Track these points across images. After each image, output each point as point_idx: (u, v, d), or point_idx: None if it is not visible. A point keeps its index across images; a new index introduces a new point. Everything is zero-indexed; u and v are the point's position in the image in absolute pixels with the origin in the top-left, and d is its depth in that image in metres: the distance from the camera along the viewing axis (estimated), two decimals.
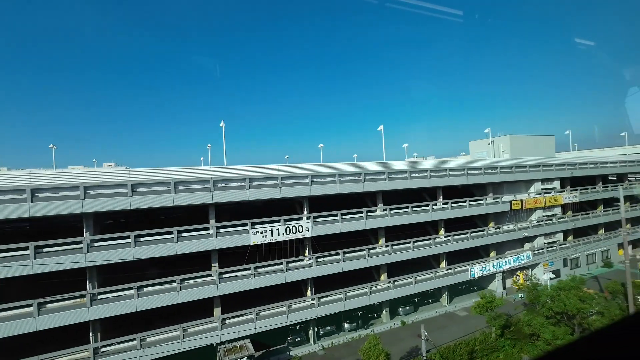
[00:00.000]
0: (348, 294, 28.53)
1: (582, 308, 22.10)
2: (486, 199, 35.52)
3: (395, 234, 32.19)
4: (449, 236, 33.74)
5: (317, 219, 27.42)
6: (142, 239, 22.21)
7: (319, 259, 27.57)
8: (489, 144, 41.55)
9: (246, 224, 24.64)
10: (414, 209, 31.67)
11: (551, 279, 38.49)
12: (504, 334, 25.14)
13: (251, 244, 24.65)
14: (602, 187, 46.64)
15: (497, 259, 36.77)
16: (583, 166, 43.60)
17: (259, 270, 25.40)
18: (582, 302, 22.39)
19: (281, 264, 26.16)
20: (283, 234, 25.61)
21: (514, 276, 39.39)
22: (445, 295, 34.45)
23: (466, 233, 34.48)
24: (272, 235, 25.25)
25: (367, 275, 31.63)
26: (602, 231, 47.37)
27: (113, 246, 21.47)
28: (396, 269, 32.11)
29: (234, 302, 25.57)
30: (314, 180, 27.23)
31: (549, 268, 39.76)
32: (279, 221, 25.65)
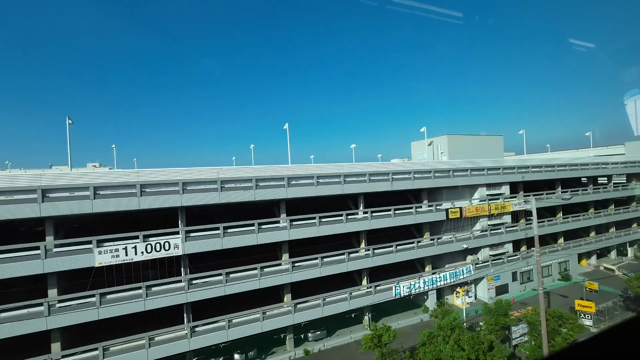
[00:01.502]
0: (236, 320, 24.41)
1: (458, 358, 17.69)
2: (414, 207, 31.39)
3: (300, 248, 28.17)
4: (369, 250, 29.61)
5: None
6: None
7: (193, 281, 23.39)
8: (428, 144, 37.42)
9: (90, 242, 20.43)
10: (323, 220, 27.54)
11: (490, 298, 34.59)
12: None
13: (96, 265, 20.44)
14: (562, 192, 42.66)
15: (433, 273, 32.70)
16: (537, 169, 39.58)
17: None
18: (461, 350, 17.96)
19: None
20: (142, 252, 21.40)
21: (454, 292, 35.31)
22: (367, 316, 30.33)
23: (391, 246, 30.38)
24: (126, 255, 21.04)
25: (272, 296, 27.59)
26: (561, 240, 43.38)
27: None
28: (305, 288, 28.01)
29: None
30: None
31: (494, 283, 35.79)
32: (136, 237, 21.45)
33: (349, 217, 28.56)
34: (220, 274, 23.81)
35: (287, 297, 26.97)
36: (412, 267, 34.41)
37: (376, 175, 29.43)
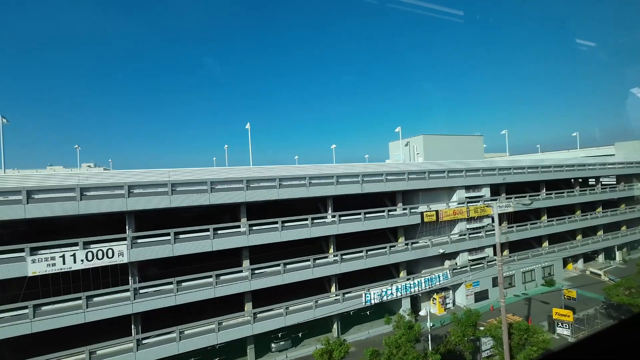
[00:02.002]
0: (189, 331, 23.01)
1: None
2: (387, 210, 30.02)
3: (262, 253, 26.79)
4: (337, 256, 28.22)
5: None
6: None
7: (142, 290, 21.98)
8: (405, 145, 36.07)
9: (22, 249, 19.03)
10: (286, 224, 26.16)
11: (466, 306, 33.24)
12: None
13: (30, 275, 19.04)
14: (546, 194, 41.37)
15: (408, 279, 31.34)
16: (519, 171, 38.25)
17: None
18: None
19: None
20: (82, 260, 20.01)
21: (431, 299, 33.94)
22: (336, 325, 28.92)
23: (361, 251, 29.02)
24: (64, 263, 19.65)
25: (236, 305, 26.21)
26: (546, 244, 42.04)
27: None
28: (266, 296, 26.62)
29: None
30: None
31: (473, 289, 34.44)
32: (76, 244, 20.06)
33: (316, 221, 27.19)
34: (171, 283, 22.42)
35: (248, 306, 25.57)
36: (387, 273, 33.07)
37: (345, 177, 28.08)
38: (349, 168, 28.48)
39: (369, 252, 29.25)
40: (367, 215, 29.02)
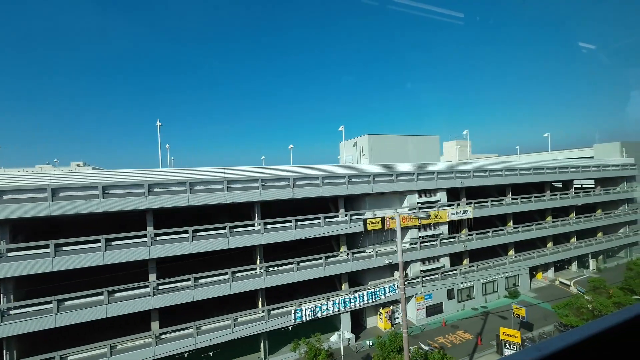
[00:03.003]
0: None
1: None
2: (323, 217, 27.29)
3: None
4: (262, 268, 25.47)
5: None
6: None
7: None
8: (352, 145, 33.30)
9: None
10: (198, 234, 23.40)
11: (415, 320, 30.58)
12: None
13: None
14: (512, 199, 38.70)
15: (349, 293, 28.63)
16: (480, 174, 35.55)
17: None
18: None
19: None
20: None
21: (377, 314, 31.24)
22: (262, 345, 26.16)
23: (291, 263, 26.28)
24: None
25: (143, 324, 23.48)
26: (512, 252, 39.37)
27: None
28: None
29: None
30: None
31: (425, 302, 31.75)
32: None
33: (237, 230, 24.45)
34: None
35: (154, 325, 22.81)
36: (331, 285, 30.36)
37: (272, 181, 25.35)
38: (278, 171, 25.72)
39: (300, 264, 26.52)
40: (300, 223, 26.28)
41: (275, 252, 27.51)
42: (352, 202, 32.25)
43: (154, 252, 21.58)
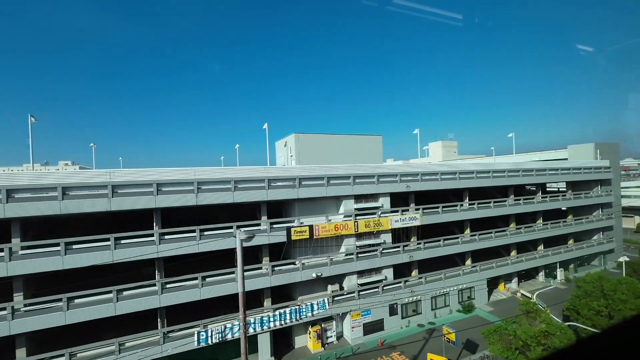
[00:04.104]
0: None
1: None
2: (236, 226, 24.20)
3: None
4: (161, 284, 22.34)
5: None
6: None
7: None
8: (284, 145, 30.24)
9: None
10: (75, 247, 20.30)
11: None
12: None
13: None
14: (469, 204, 35.70)
15: (270, 310, 25.53)
16: (430, 177, 32.55)
17: None
18: None
19: None
20: None
21: (307, 332, 28.14)
22: None
23: (195, 278, 23.17)
24: None
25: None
26: (469, 262, 36.32)
27: None
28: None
29: None
30: None
31: (361, 319, 28.67)
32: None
33: (125, 241, 21.33)
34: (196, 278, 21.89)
35: (21, 352, 19.69)
36: (258, 302, 27.26)
37: (171, 185, 22.29)
38: (178, 174, 22.64)
39: (205, 279, 23.41)
40: (204, 233, 23.19)
41: (182, 266, 24.46)
42: (287, 209, 29.29)
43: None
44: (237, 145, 37.41)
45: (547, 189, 57.95)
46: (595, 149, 48.25)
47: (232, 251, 25.49)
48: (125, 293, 21.34)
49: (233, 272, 24.04)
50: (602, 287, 21.13)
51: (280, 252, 27.29)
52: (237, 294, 23.10)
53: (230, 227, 24.05)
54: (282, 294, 29.21)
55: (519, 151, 60.67)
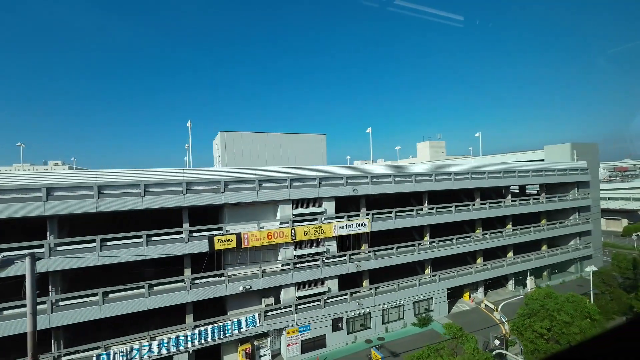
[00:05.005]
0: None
1: None
2: (144, 236, 21.67)
3: None
4: (51, 300, 19.83)
5: None
6: None
7: None
8: (215, 143, 27.73)
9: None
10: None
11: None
12: None
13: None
14: (428, 209, 33.25)
15: (184, 329, 22.98)
16: (382, 180, 30.10)
17: None
18: None
19: None
20: None
21: (238, 351, 25.59)
22: None
23: (95, 294, 20.64)
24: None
25: None
26: (428, 270, 33.83)
27: None
28: None
29: None
30: None
31: (299, 335, 26.17)
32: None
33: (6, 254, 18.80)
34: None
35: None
36: (180, 317, 24.72)
37: (70, 189, 19.81)
38: (78, 177, 20.15)
39: (109, 295, 20.90)
40: (107, 244, 20.68)
41: (84, 280, 21.95)
42: (221, 215, 26.79)
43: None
44: (187, 145, 34.97)
45: (527, 192, 55.60)
46: (572, 150, 45.88)
47: (156, 261, 23.12)
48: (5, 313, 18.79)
49: (142, 287, 21.54)
50: (547, 306, 18.64)
51: (213, 263, 24.85)
52: (152, 309, 20.89)
53: (140, 237, 21.53)
54: (216, 307, 26.70)
55: (499, 152, 58.25)
